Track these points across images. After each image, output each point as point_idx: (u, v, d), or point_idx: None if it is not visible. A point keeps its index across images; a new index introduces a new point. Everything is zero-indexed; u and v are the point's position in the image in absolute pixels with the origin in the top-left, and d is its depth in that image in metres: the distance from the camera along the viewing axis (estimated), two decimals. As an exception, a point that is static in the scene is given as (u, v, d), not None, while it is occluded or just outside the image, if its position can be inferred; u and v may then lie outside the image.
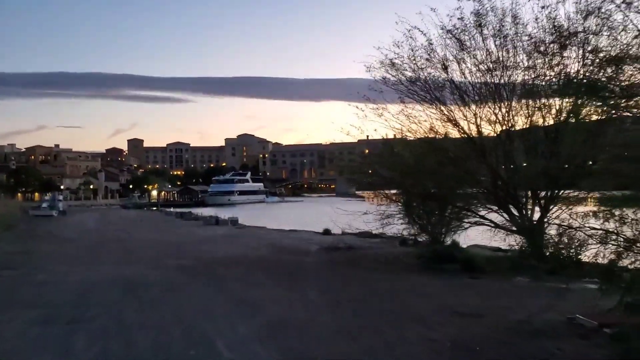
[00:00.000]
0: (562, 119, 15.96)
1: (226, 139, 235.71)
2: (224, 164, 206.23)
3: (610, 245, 7.61)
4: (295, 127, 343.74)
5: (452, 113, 17.21)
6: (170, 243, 26.10)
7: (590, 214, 8.11)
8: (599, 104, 8.45)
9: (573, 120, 15.95)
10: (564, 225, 8.43)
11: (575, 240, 11.19)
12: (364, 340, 8.21)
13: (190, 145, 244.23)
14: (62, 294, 12.79)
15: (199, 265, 17.72)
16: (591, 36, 10.28)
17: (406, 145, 19.13)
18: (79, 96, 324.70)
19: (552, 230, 16.01)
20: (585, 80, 8.45)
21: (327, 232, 29.68)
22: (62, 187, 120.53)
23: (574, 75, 15.09)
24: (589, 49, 14.90)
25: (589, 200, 16.13)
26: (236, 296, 12.09)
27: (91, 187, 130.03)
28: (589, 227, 7.73)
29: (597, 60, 8.23)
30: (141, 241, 27.71)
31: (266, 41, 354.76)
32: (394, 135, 18.58)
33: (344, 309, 10.51)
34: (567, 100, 15.21)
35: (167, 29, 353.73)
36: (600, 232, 7.72)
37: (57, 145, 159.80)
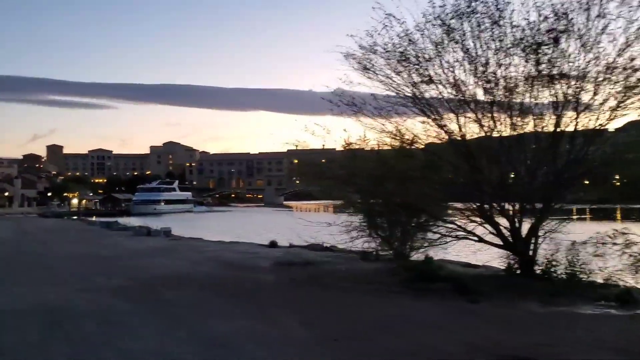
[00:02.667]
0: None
1: (151, 147, 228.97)
2: (148, 172, 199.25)
3: None
4: (222, 135, 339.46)
5: (437, 112, 15.21)
6: (99, 257, 22.65)
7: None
8: None
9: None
10: None
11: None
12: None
13: (113, 153, 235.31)
14: (-39, 331, 9.66)
15: (138, 286, 14.71)
16: None
17: (380, 150, 16.97)
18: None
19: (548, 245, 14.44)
20: None
21: (273, 244, 27.26)
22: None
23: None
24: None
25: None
26: (199, 332, 9.28)
27: (6, 194, 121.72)
28: None
29: None
30: (65, 255, 23.99)
31: (192, 49, 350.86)
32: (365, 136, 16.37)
33: (349, 352, 8.01)
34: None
35: (89, 33, 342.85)
36: None
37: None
